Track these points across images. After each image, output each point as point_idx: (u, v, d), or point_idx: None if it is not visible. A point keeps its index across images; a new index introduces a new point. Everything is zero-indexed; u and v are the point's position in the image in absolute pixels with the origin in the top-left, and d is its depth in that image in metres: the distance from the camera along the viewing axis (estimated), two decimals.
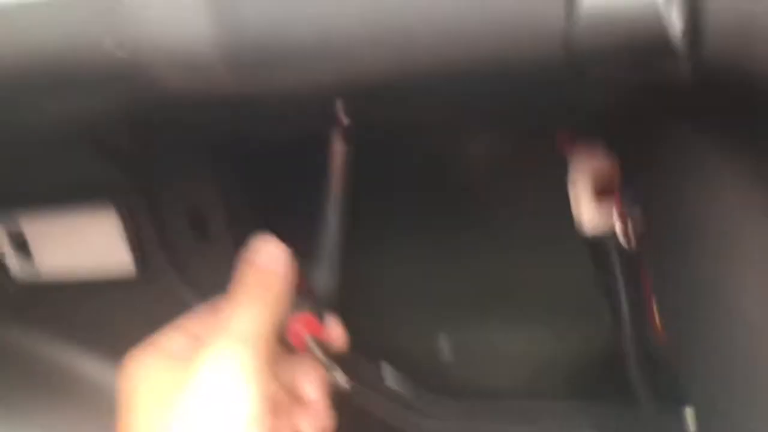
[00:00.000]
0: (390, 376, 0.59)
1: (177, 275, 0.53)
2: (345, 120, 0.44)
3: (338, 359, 0.45)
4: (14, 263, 0.54)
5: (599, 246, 0.49)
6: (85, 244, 0.53)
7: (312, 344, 0.43)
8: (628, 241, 0.46)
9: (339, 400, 0.47)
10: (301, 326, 0.43)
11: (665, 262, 0.40)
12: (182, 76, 0.30)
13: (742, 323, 0.35)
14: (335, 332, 0.46)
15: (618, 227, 0.45)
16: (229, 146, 0.55)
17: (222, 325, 0.38)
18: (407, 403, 0.56)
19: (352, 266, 0.71)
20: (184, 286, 0.54)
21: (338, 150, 0.63)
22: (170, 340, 0.41)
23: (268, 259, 0.43)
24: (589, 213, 0.48)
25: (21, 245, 0.53)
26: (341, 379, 0.42)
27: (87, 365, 0.56)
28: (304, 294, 0.46)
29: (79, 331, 0.56)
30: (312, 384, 0.43)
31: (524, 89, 0.34)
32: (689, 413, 0.48)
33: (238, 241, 0.54)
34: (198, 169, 0.52)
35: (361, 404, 0.56)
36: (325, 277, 0.66)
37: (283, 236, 0.66)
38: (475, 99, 0.37)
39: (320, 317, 0.45)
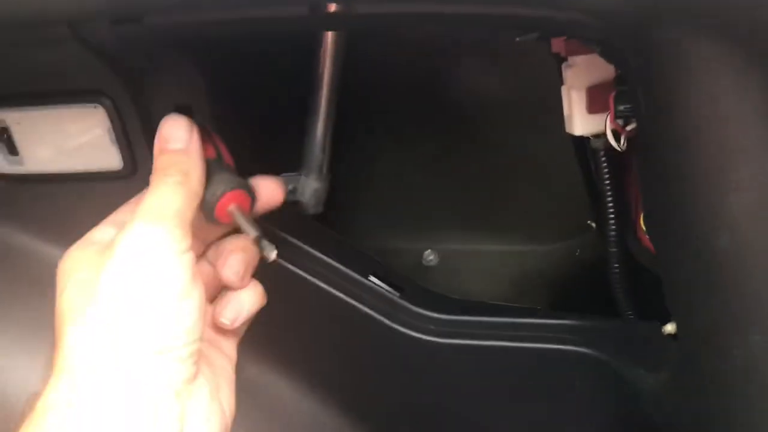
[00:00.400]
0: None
1: None
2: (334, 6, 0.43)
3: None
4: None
5: (588, 146, 0.50)
6: (71, 139, 0.52)
7: (237, 215, 0.43)
8: (619, 143, 0.46)
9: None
10: (228, 200, 0.43)
11: (654, 167, 0.40)
12: None
13: (729, 225, 0.35)
14: (270, 191, 0.48)
15: (609, 130, 0.45)
16: (216, 45, 0.53)
17: (138, 209, 0.39)
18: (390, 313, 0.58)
19: (341, 177, 0.71)
20: None
21: (327, 50, 0.62)
22: (100, 231, 0.41)
23: (172, 138, 0.43)
24: (582, 118, 0.48)
25: (7, 140, 0.52)
26: (268, 249, 0.43)
27: None
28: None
29: (65, 225, 0.56)
30: (236, 258, 0.44)
31: None
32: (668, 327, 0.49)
33: (224, 139, 0.54)
34: (185, 67, 0.51)
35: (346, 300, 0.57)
36: (312, 186, 0.67)
37: (270, 141, 0.66)
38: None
39: (249, 192, 0.45)
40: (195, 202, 0.41)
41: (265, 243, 0.43)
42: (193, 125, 0.44)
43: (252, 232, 0.43)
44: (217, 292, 0.45)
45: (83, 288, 0.37)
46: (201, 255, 0.47)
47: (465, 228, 0.77)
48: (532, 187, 0.73)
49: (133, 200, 0.44)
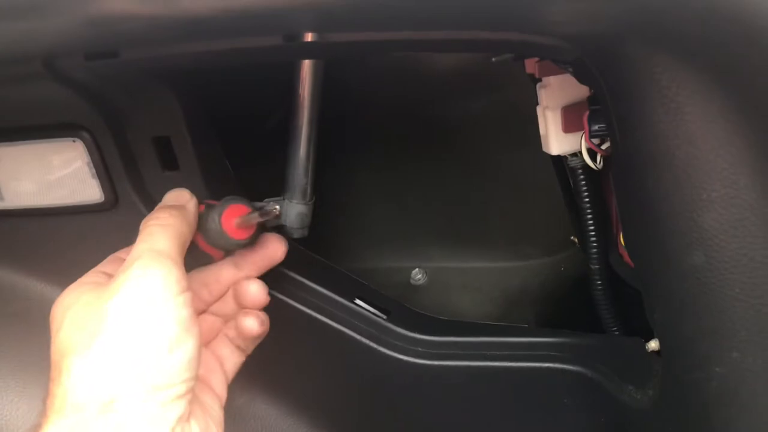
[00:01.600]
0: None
1: (145, 203, 0.53)
2: (310, 36, 0.43)
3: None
4: None
5: (566, 166, 0.50)
6: (51, 173, 0.52)
7: (244, 219, 0.47)
8: (595, 162, 0.46)
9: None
10: (230, 214, 0.46)
11: (629, 185, 0.40)
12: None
13: (703, 242, 0.36)
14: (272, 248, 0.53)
15: (584, 149, 0.46)
16: (193, 75, 0.54)
17: (135, 249, 0.41)
18: (377, 336, 0.58)
19: (326, 200, 0.71)
20: None
21: (306, 75, 0.62)
22: (91, 276, 0.43)
23: (169, 199, 0.47)
24: (558, 138, 0.48)
25: None
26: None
27: (55, 294, 0.56)
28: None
29: (46, 260, 0.56)
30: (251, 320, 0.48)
31: (490, 11, 0.34)
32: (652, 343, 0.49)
33: (204, 168, 0.54)
34: (162, 98, 0.51)
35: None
36: (296, 209, 0.67)
37: (253, 165, 0.66)
38: (440, 22, 0.37)
39: (242, 202, 0.48)
40: (188, 239, 0.44)
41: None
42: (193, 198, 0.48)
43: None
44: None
45: (84, 323, 0.38)
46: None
47: (452, 246, 0.77)
48: (517, 204, 0.73)
49: (118, 253, 0.47)
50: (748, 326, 0.36)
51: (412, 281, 0.79)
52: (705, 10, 0.29)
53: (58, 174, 0.52)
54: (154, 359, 0.37)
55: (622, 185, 0.42)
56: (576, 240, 0.60)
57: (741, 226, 0.34)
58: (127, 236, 0.54)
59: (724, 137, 0.33)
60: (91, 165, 0.51)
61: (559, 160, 0.53)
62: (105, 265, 0.45)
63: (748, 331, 0.36)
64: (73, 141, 0.51)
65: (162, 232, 0.42)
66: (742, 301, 0.35)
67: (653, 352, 0.48)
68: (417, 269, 0.79)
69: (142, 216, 0.53)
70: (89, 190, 0.52)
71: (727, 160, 0.33)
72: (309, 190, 0.67)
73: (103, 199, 0.52)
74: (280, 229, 0.67)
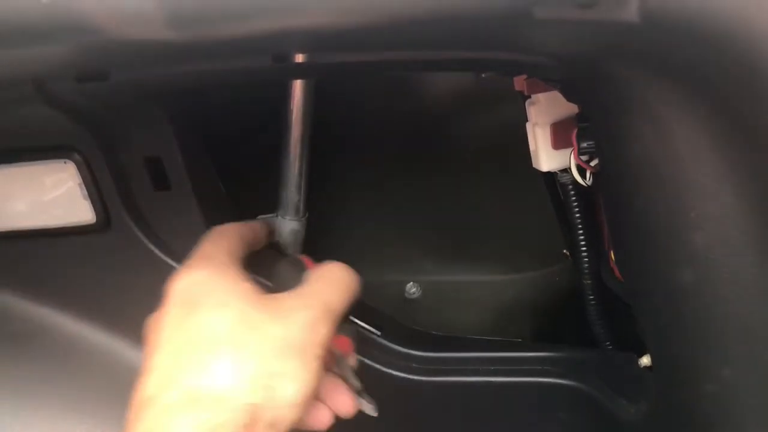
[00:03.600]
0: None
1: (137, 224, 0.53)
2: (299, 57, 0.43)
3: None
4: None
5: (556, 181, 0.50)
6: (44, 195, 0.52)
7: (341, 362, 0.45)
8: (584, 178, 0.46)
9: None
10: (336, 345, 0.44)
11: (618, 203, 0.40)
12: (119, 25, 0.29)
13: (692, 260, 0.36)
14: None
15: (574, 166, 0.46)
16: (183, 95, 0.54)
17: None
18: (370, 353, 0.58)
19: (320, 216, 0.71)
20: (145, 235, 0.53)
21: (297, 92, 0.62)
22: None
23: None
24: (547, 154, 0.48)
25: None
26: (366, 405, 0.44)
27: (52, 316, 0.56)
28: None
29: (41, 281, 0.56)
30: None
31: (476, 33, 0.34)
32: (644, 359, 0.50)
33: (197, 188, 0.54)
34: (153, 118, 0.51)
35: None
36: (289, 226, 0.67)
37: (243, 183, 0.66)
38: (428, 43, 0.37)
39: (350, 334, 0.45)
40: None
41: (365, 398, 0.44)
42: None
43: (355, 384, 0.45)
44: None
45: None
46: None
47: (446, 259, 0.77)
48: (511, 217, 0.73)
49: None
50: (738, 344, 0.36)
51: (406, 295, 0.79)
52: (682, 31, 0.29)
53: (50, 196, 0.52)
54: None
55: (611, 203, 0.42)
56: (568, 254, 0.60)
57: (730, 245, 0.34)
58: (119, 256, 0.54)
59: (709, 156, 0.33)
60: (83, 186, 0.51)
61: (550, 175, 0.53)
62: None
63: (739, 348, 0.36)
64: (65, 162, 0.51)
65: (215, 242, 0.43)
66: (732, 319, 0.35)
67: (646, 367, 0.48)
68: (411, 283, 0.79)
69: (135, 236, 0.54)
70: (81, 212, 0.52)
71: (714, 179, 0.34)
72: (302, 207, 0.67)
73: (95, 220, 0.52)
74: (274, 246, 0.68)
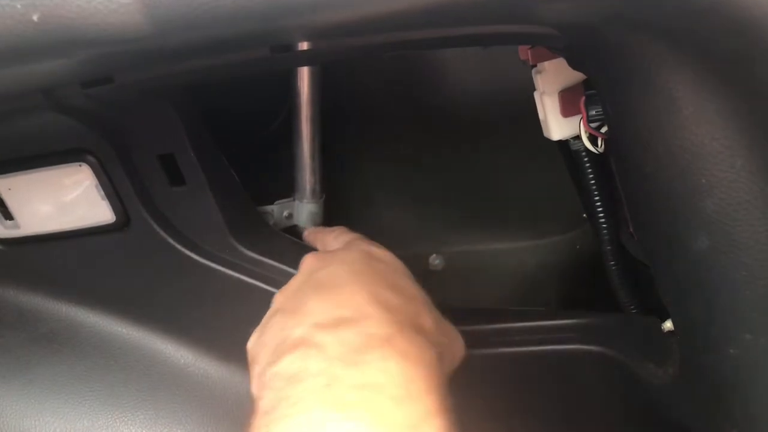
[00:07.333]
0: None
1: (156, 220, 0.54)
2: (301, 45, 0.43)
3: None
4: None
5: (570, 148, 0.49)
6: (62, 199, 0.53)
7: None
8: (596, 146, 0.45)
9: None
10: None
11: (629, 170, 0.39)
12: (108, 33, 0.29)
13: (706, 227, 0.35)
14: None
15: (584, 134, 0.45)
16: (191, 90, 0.54)
17: None
18: None
19: (339, 193, 0.72)
20: (164, 230, 0.54)
21: (305, 74, 0.62)
22: None
23: None
24: (557, 122, 0.47)
25: (0, 206, 0.53)
26: None
27: (83, 315, 0.57)
28: None
29: (67, 282, 0.57)
30: None
31: (482, 7, 0.33)
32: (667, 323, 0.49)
33: (212, 180, 0.54)
34: (163, 115, 0.52)
35: None
36: (306, 209, 0.67)
37: (258, 170, 0.67)
38: (432, 22, 0.36)
39: None
40: None
41: None
42: None
43: None
44: None
45: None
46: None
47: (468, 229, 0.77)
48: (530, 183, 0.73)
49: None
50: (758, 308, 0.35)
51: (430, 266, 0.79)
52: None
53: (68, 198, 0.53)
54: None
55: (623, 170, 0.41)
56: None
57: (743, 209, 0.33)
58: (141, 252, 0.55)
59: (718, 121, 0.32)
60: (100, 187, 0.52)
61: (564, 142, 0.52)
62: None
63: (759, 312, 0.35)
64: (80, 165, 0.52)
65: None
66: (751, 284, 0.35)
67: (669, 331, 0.48)
68: (434, 255, 0.79)
69: (154, 232, 0.54)
70: (101, 212, 0.53)
71: (723, 144, 0.33)
72: (318, 188, 0.67)
73: (114, 219, 0.53)
74: (292, 229, 0.68)
